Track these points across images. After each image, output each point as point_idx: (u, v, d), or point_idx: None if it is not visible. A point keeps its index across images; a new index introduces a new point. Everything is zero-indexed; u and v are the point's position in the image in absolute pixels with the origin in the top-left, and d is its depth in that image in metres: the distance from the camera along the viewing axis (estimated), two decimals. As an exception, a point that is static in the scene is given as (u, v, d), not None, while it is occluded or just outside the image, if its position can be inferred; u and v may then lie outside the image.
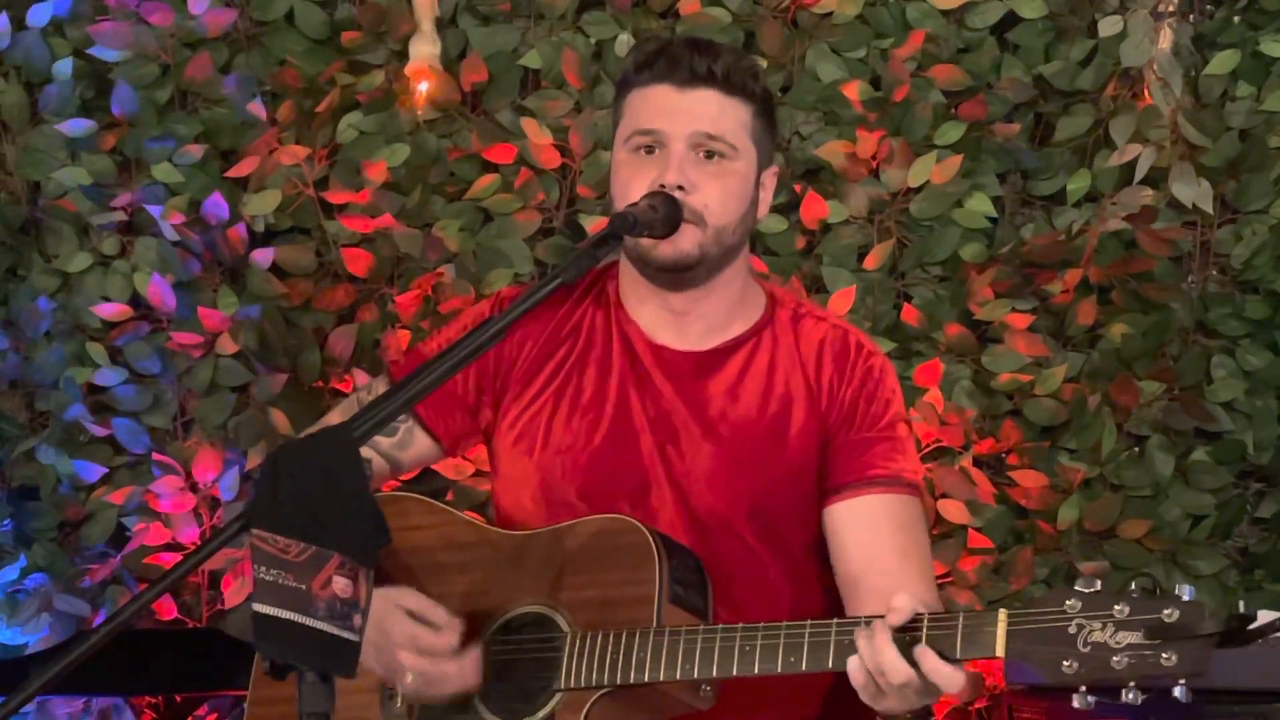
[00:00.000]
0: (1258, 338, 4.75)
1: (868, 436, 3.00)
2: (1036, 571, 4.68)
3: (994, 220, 4.81)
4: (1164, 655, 2.42)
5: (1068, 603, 2.49)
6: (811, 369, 3.02)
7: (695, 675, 2.75)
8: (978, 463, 4.69)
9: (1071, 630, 2.48)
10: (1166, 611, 2.43)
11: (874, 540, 2.96)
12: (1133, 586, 2.47)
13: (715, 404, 3.01)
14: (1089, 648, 2.47)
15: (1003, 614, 2.55)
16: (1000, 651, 2.55)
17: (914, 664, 2.60)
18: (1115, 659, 2.45)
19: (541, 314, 3.06)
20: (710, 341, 3.04)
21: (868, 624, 2.66)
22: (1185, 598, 2.44)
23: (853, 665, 2.64)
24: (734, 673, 2.72)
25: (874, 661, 2.62)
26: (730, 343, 3.04)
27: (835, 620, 2.71)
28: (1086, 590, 2.49)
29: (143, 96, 4.90)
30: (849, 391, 3.02)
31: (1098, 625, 2.47)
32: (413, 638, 2.86)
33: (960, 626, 2.59)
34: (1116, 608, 2.46)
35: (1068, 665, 2.48)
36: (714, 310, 3.04)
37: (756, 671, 2.71)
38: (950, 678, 2.61)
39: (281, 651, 2.42)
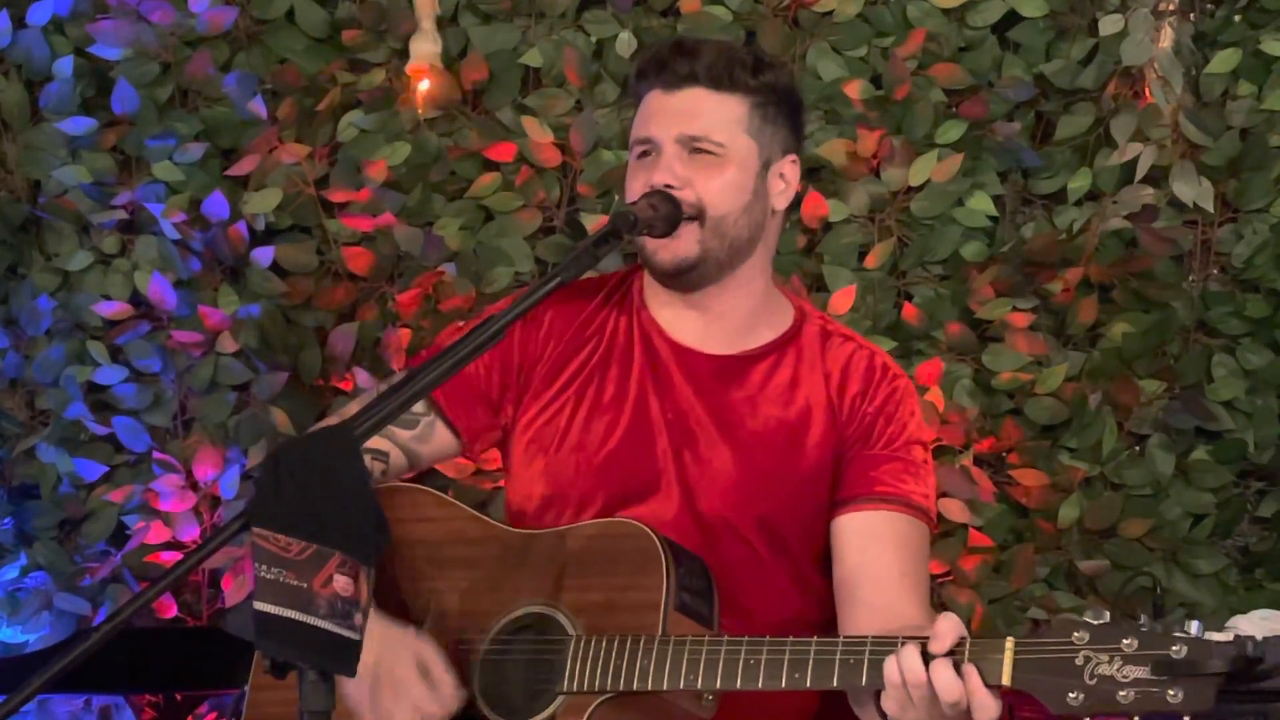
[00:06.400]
0: (1258, 336, 4.75)
1: (881, 453, 3.00)
2: (1037, 570, 4.68)
3: (995, 219, 4.81)
4: (1170, 692, 2.42)
5: (1075, 634, 2.49)
6: (835, 385, 3.03)
7: (699, 686, 2.74)
8: (978, 461, 4.68)
9: (1078, 662, 2.48)
10: (1175, 648, 2.42)
11: (874, 555, 2.96)
12: (1141, 620, 2.45)
13: (735, 411, 3.01)
14: (1095, 680, 2.46)
15: (1010, 642, 2.55)
16: (1006, 680, 2.54)
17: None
18: (1121, 693, 2.44)
19: (567, 313, 3.07)
20: (734, 346, 3.04)
21: (872, 644, 2.64)
22: (1193, 633, 2.43)
23: (890, 670, 2.61)
24: (738, 686, 2.72)
25: (922, 677, 2.58)
26: (755, 351, 3.04)
27: (841, 638, 2.69)
28: (1095, 622, 2.48)
29: (143, 95, 4.90)
30: (870, 408, 3.02)
31: (1105, 658, 2.46)
32: (418, 703, 2.85)
33: (966, 650, 2.58)
34: (1125, 641, 2.46)
35: (1073, 697, 2.47)
36: (734, 310, 3.04)
37: (760, 687, 2.70)
38: (986, 704, 2.58)
39: (282, 650, 2.42)
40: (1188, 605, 4.68)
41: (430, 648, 2.88)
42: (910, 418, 3.04)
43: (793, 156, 3.07)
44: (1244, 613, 3.86)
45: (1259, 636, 2.44)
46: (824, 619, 2.99)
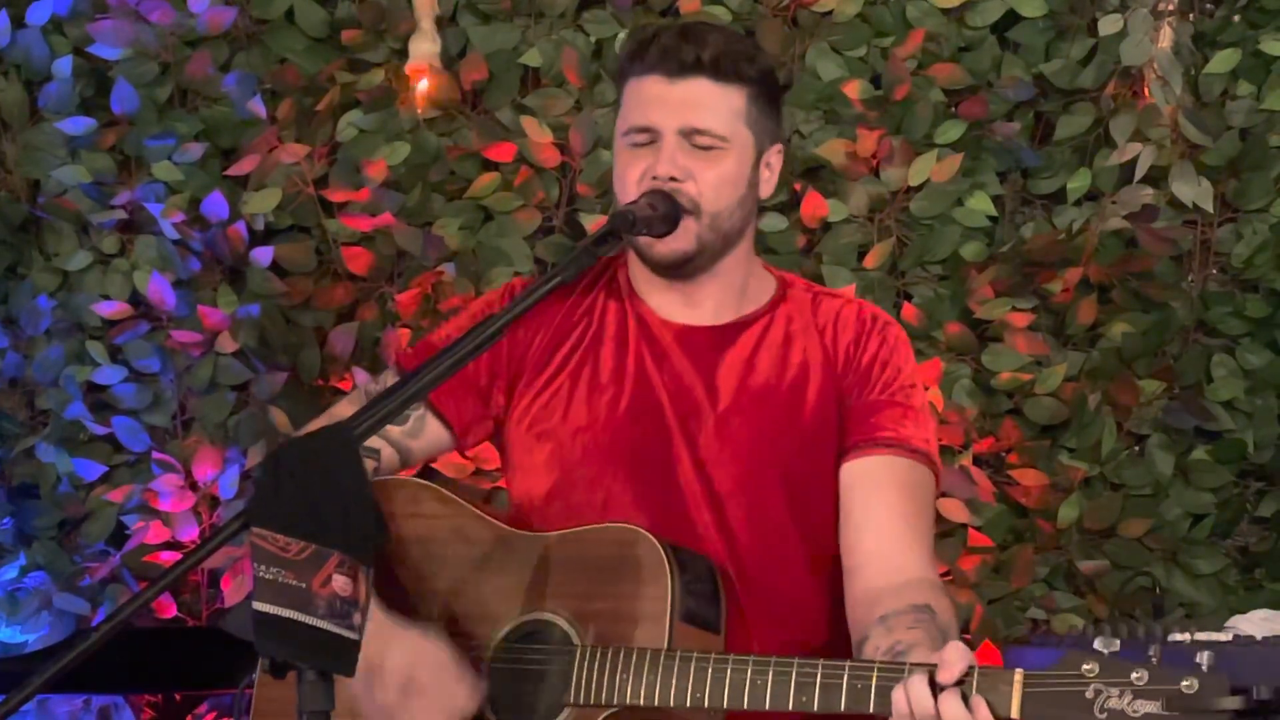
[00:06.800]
0: (1258, 336, 4.76)
1: (880, 399, 3.00)
2: (1037, 570, 4.68)
3: (994, 219, 4.81)
4: None
5: (1085, 667, 2.44)
6: (829, 337, 3.04)
7: (705, 705, 2.72)
8: (978, 461, 4.68)
9: (1089, 695, 2.44)
10: (1186, 683, 2.38)
11: (876, 501, 2.94)
12: (1150, 651, 2.41)
13: (733, 376, 3.02)
14: (1105, 715, 2.42)
15: (1019, 674, 2.51)
16: (1015, 712, 2.50)
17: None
18: None
19: (553, 302, 3.06)
20: (723, 317, 3.06)
21: (880, 670, 2.62)
22: (1205, 668, 2.39)
23: (898, 700, 2.57)
24: (745, 706, 2.70)
25: (930, 709, 2.54)
26: (744, 318, 3.06)
27: (848, 662, 2.66)
28: (1105, 652, 2.44)
29: (143, 94, 4.90)
30: (865, 356, 3.02)
31: (1115, 692, 2.42)
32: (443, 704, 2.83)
33: (975, 681, 2.54)
34: (1135, 675, 2.41)
35: None
36: (720, 293, 3.06)
37: (768, 707, 2.68)
38: None
39: (281, 650, 2.42)
40: (1188, 605, 4.68)
41: (443, 649, 2.85)
42: (905, 362, 3.04)
43: (779, 146, 3.08)
44: (1244, 613, 3.86)
45: (1259, 636, 2.42)
46: (838, 593, 2.97)
